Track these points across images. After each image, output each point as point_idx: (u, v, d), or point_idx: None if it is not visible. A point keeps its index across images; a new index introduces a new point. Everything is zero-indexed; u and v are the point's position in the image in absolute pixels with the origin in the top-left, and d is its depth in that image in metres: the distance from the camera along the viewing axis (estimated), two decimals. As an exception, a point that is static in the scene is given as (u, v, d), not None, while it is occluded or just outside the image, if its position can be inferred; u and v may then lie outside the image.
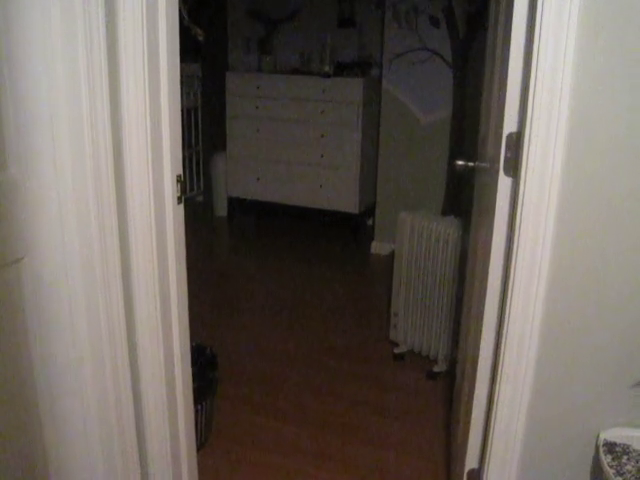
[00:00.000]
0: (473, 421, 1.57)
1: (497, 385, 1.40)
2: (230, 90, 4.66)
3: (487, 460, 1.48)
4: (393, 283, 2.83)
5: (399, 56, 3.97)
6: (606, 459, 1.27)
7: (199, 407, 2.09)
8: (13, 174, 1.26)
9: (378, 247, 4.40)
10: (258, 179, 4.76)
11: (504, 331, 1.36)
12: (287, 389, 2.64)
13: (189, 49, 4.71)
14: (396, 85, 4.04)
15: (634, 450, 1.30)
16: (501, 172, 1.36)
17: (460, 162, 1.81)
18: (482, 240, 1.67)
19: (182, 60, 1.46)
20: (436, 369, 2.73)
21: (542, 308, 1.32)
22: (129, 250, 1.45)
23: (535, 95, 1.19)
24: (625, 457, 1.28)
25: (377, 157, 4.28)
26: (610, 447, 1.31)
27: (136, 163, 1.39)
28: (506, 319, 1.35)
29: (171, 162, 1.48)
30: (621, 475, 1.22)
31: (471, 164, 1.85)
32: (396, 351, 2.89)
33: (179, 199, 1.53)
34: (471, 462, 1.63)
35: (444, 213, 3.79)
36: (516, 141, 1.31)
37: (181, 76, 1.47)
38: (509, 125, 1.33)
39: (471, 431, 1.59)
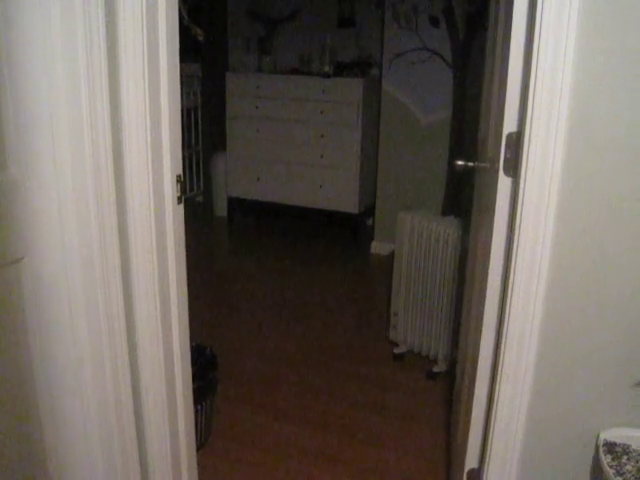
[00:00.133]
0: (473, 421, 1.57)
1: (497, 385, 1.40)
2: (230, 90, 4.66)
3: (487, 460, 1.48)
4: (393, 283, 2.83)
5: (399, 56, 3.97)
6: (606, 459, 1.27)
7: (199, 407, 2.09)
8: (13, 174, 1.26)
9: (378, 247, 4.41)
10: (258, 179, 4.76)
11: (504, 331, 1.36)
12: (287, 389, 2.64)
13: (189, 49, 4.70)
14: (396, 85, 4.04)
15: (634, 450, 1.30)
16: (501, 172, 1.36)
17: (460, 162, 1.81)
18: (482, 240, 1.67)
19: (182, 60, 1.46)
20: (436, 369, 2.73)
21: (542, 308, 1.32)
22: (129, 250, 1.45)
23: (535, 95, 1.19)
24: (625, 457, 1.28)
25: (377, 157, 4.28)
26: (610, 447, 1.31)
27: (136, 163, 1.39)
28: (506, 319, 1.35)
29: (171, 162, 1.48)
30: (621, 475, 1.22)
31: (471, 164, 1.85)
32: (396, 351, 2.89)
33: (179, 199, 1.53)
34: (471, 462, 1.63)
35: (444, 213, 3.78)
36: (516, 141, 1.31)
37: (181, 76, 1.47)
38: (509, 125, 1.34)
39: (471, 431, 1.59)
